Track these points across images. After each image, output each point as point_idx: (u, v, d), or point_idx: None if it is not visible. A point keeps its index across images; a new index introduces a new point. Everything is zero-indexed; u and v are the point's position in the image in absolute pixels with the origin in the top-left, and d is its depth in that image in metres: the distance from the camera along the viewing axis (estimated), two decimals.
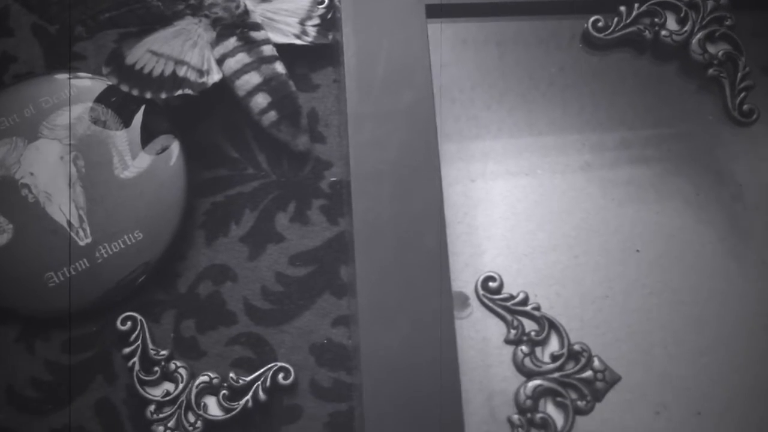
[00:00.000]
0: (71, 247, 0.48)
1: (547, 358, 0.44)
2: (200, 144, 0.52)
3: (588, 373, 0.44)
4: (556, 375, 0.44)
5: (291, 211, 0.51)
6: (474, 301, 0.46)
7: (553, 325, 0.45)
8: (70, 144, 0.50)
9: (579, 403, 0.43)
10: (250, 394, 0.46)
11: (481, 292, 0.46)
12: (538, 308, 0.45)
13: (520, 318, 0.45)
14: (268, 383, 0.46)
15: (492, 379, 0.46)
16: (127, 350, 0.46)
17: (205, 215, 0.51)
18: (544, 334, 0.45)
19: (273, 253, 0.50)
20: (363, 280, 0.42)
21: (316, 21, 0.55)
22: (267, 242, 0.50)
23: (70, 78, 0.52)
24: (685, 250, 0.50)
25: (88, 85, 0.52)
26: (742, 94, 0.52)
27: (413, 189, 0.44)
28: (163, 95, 0.49)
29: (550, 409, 0.43)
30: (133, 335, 0.47)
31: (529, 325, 0.45)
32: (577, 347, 0.44)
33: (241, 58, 0.50)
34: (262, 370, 0.47)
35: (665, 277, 0.49)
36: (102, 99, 0.51)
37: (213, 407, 0.46)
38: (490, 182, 0.51)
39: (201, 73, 0.50)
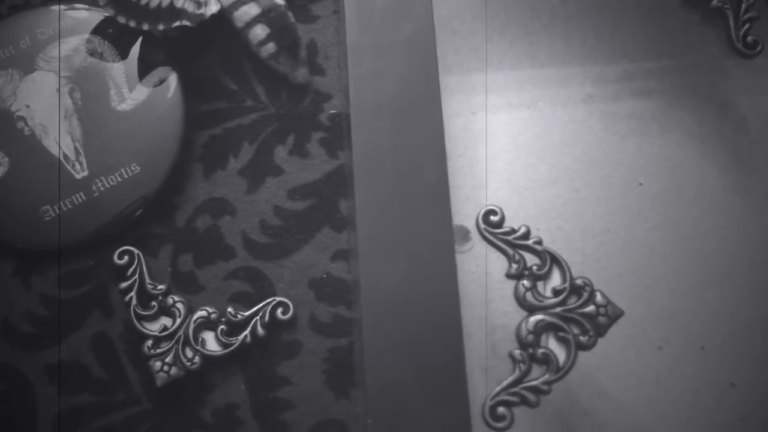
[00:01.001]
0: (67, 181, 0.46)
1: (548, 293, 0.42)
2: (198, 76, 0.49)
3: (590, 308, 0.41)
4: (558, 310, 0.41)
5: (290, 143, 0.48)
6: (475, 235, 0.44)
7: (555, 260, 0.42)
8: (59, 76, 0.47)
9: (581, 338, 0.41)
10: (249, 329, 0.44)
11: (482, 225, 0.43)
12: (539, 242, 0.43)
13: (521, 252, 0.42)
14: (266, 318, 0.44)
15: (493, 314, 0.44)
16: (124, 285, 0.44)
17: (203, 148, 0.48)
18: (545, 269, 0.42)
19: (272, 187, 0.47)
20: (363, 213, 0.40)
21: None
22: (266, 175, 0.47)
23: (60, 8, 0.49)
24: (687, 183, 0.48)
25: (85, 16, 0.49)
26: (746, 26, 0.49)
27: (413, 121, 0.41)
28: (161, 27, 0.47)
29: (552, 344, 0.41)
30: (130, 269, 0.44)
31: (531, 260, 0.42)
32: (579, 282, 0.42)
33: None
34: (260, 304, 0.44)
35: (667, 210, 0.47)
36: (99, 30, 0.49)
37: (211, 342, 0.43)
38: (491, 115, 0.48)
39: (199, 4, 0.47)
